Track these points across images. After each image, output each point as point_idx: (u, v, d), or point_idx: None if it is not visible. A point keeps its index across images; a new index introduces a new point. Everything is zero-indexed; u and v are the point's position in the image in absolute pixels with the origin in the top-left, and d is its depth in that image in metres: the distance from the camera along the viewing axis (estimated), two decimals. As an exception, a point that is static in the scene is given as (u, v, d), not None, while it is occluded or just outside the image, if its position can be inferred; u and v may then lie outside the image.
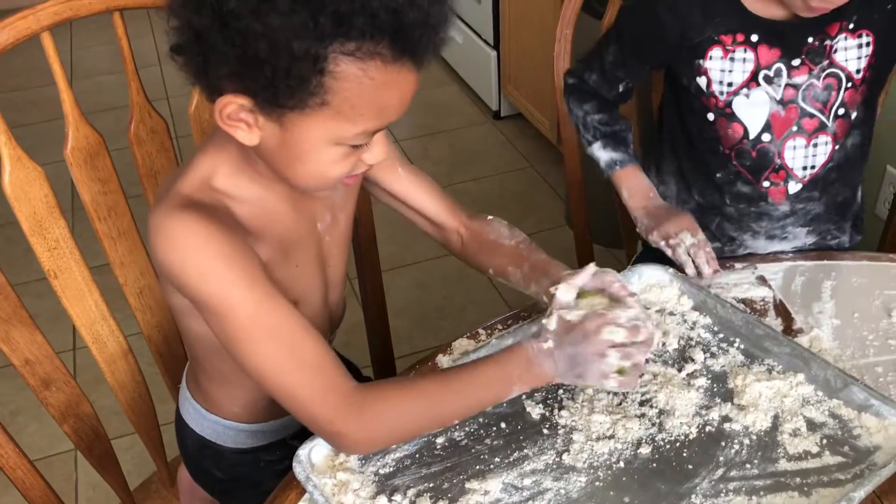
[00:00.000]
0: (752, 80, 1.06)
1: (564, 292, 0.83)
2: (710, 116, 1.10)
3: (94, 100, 3.01)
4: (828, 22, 1.02)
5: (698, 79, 1.09)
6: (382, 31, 0.67)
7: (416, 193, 0.99)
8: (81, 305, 1.01)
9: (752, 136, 1.09)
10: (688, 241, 1.05)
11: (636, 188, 1.16)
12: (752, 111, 1.07)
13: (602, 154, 1.17)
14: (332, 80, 0.69)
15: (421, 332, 2.06)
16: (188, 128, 1.05)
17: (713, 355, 0.92)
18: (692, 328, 0.96)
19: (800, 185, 1.12)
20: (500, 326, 0.98)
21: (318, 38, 0.66)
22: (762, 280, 1.03)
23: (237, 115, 0.73)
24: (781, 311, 0.98)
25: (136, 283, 1.06)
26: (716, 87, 1.07)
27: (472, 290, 2.16)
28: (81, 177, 0.98)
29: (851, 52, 1.04)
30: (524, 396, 0.88)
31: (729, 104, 1.08)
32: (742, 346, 0.93)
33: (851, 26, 1.03)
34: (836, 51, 1.04)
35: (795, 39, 1.04)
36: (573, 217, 1.38)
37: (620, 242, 1.45)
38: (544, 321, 0.82)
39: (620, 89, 1.19)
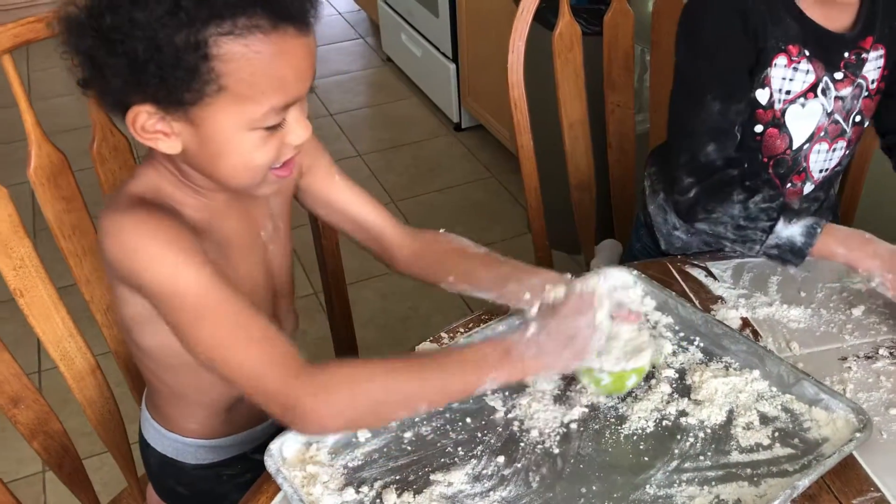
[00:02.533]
0: (811, 90, 1.07)
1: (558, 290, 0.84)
2: (759, 129, 1.10)
3: (53, 121, 2.99)
4: (862, 36, 1.06)
5: (760, 91, 1.07)
6: (248, 2, 0.70)
7: (356, 203, 0.99)
8: (48, 323, 1.02)
9: (795, 146, 1.11)
10: None
11: (849, 238, 1.01)
12: (802, 122, 1.09)
13: (793, 230, 1.01)
14: (221, 64, 0.71)
15: (388, 343, 2.07)
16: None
17: (674, 353, 0.95)
18: (654, 327, 0.99)
19: (813, 186, 1.17)
20: (461, 329, 1.00)
21: (189, 24, 0.69)
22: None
23: (152, 126, 0.75)
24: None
25: (103, 299, 1.07)
26: (775, 97, 1.08)
27: (437, 299, 2.19)
28: (45, 196, 0.99)
29: (872, 63, 1.09)
30: (489, 393, 0.90)
31: (783, 113, 1.09)
32: (701, 344, 0.96)
33: (875, 38, 1.07)
34: (866, 64, 1.08)
35: (834, 53, 1.06)
36: (531, 224, 1.41)
37: (580, 248, 1.49)
38: (526, 311, 0.82)
39: (737, 133, 1.08)
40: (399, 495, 0.80)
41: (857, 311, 1.00)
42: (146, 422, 1.03)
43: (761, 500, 0.77)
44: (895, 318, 0.98)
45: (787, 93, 1.07)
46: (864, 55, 1.08)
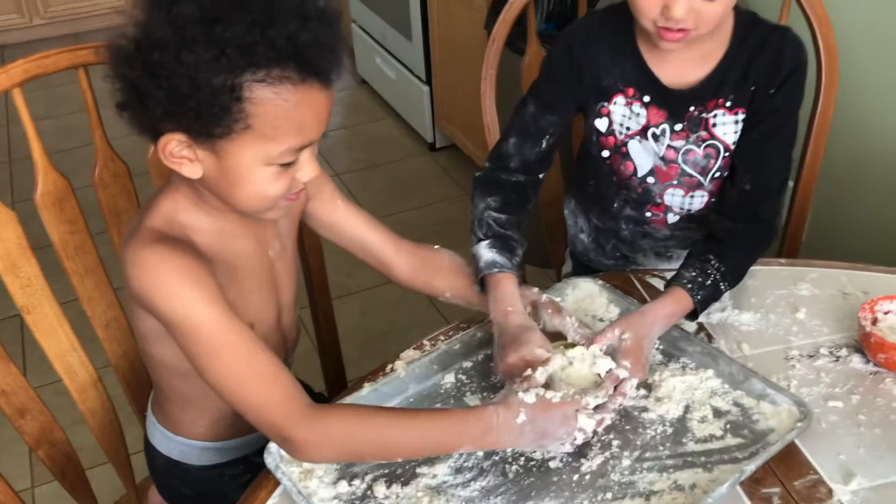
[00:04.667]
0: (643, 133, 1.18)
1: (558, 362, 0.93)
2: (606, 154, 1.21)
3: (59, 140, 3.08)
4: (708, 98, 1.14)
5: (599, 120, 1.19)
6: (283, 56, 0.78)
7: (358, 225, 1.09)
8: (53, 338, 1.08)
9: (639, 174, 1.21)
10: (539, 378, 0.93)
11: (501, 297, 1.03)
12: (643, 156, 1.20)
13: (486, 253, 1.07)
14: (251, 106, 0.79)
15: (369, 357, 2.14)
16: (144, 166, 1.14)
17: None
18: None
19: (678, 217, 1.25)
20: (442, 337, 1.08)
21: (229, 70, 0.77)
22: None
23: (178, 152, 0.83)
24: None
25: (104, 315, 1.13)
26: (615, 128, 1.18)
27: (414, 313, 2.26)
28: (51, 219, 1.06)
29: (729, 127, 1.16)
30: (468, 393, 0.99)
31: (625, 144, 1.19)
32: (661, 347, 1.05)
33: (728, 104, 1.15)
34: (715, 125, 1.16)
35: (679, 107, 1.15)
36: (506, 240, 1.49)
37: (551, 262, 1.57)
38: (521, 395, 0.88)
39: (544, 145, 1.18)
40: (388, 487, 0.88)
41: (801, 315, 1.09)
42: (152, 427, 1.09)
43: (714, 483, 0.86)
44: (836, 321, 1.08)
45: (628, 128, 1.18)
46: (705, 114, 1.14)
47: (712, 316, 1.10)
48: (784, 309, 1.11)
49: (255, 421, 0.86)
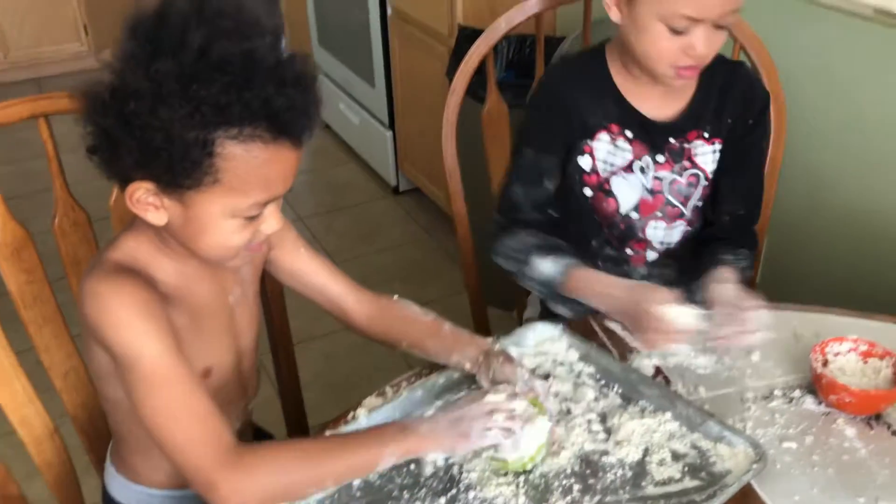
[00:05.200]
0: (629, 167, 1.21)
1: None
2: (588, 192, 1.24)
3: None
4: (688, 129, 1.20)
5: (581, 158, 1.22)
6: (257, 117, 0.80)
7: (319, 273, 1.10)
8: (8, 389, 1.07)
9: (622, 211, 1.24)
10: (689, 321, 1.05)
11: (596, 287, 1.12)
12: (626, 191, 1.23)
13: (545, 264, 1.12)
14: (221, 161, 0.81)
15: (331, 403, 2.11)
16: (105, 210, 1.14)
17: (596, 399, 1.05)
18: (578, 376, 1.09)
19: (656, 255, 1.29)
20: (404, 383, 1.08)
21: (203, 126, 0.79)
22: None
23: (145, 199, 0.85)
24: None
25: (62, 365, 1.12)
26: (599, 165, 1.21)
27: (378, 358, 2.25)
28: (9, 269, 1.05)
29: (707, 157, 1.22)
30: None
31: (608, 180, 1.22)
32: (620, 391, 1.06)
33: (706, 135, 1.21)
34: (696, 154, 1.21)
35: (661, 139, 1.20)
36: (467, 283, 1.51)
37: (513, 304, 1.59)
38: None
39: (548, 185, 1.22)
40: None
41: (756, 357, 1.12)
42: (110, 476, 1.08)
43: (673, 526, 0.87)
44: (788, 363, 1.10)
45: (611, 164, 1.22)
46: (686, 145, 1.20)
47: (669, 359, 1.12)
48: (739, 352, 1.13)
49: (178, 461, 0.86)
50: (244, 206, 0.86)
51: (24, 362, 1.09)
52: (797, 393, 1.06)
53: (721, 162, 1.23)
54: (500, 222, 1.23)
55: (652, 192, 1.23)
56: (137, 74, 0.79)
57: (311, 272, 1.09)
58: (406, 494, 0.92)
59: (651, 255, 1.29)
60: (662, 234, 1.26)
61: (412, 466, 0.96)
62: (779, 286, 1.09)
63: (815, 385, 1.04)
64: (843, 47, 1.70)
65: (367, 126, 3.10)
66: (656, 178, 1.22)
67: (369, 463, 0.89)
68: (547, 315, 1.39)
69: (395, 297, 1.12)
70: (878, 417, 1.02)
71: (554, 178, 1.23)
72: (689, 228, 1.27)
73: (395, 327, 1.10)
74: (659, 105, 1.19)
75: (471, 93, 1.41)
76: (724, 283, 1.10)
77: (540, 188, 1.21)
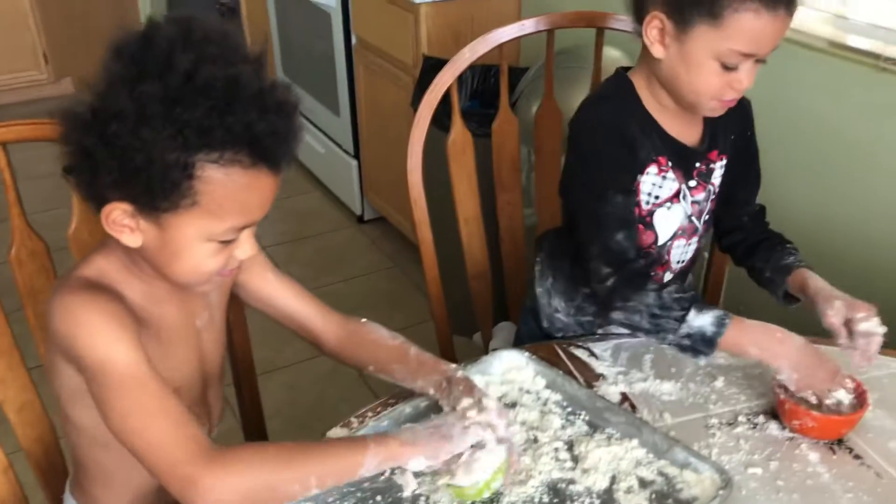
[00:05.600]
0: (675, 196, 1.22)
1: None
2: None
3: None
4: (711, 148, 1.23)
5: None
6: (239, 141, 0.80)
7: (287, 297, 1.09)
8: (-39, 424, 1.04)
9: (660, 242, 1.25)
10: (843, 398, 1.05)
11: (760, 336, 1.07)
12: (667, 222, 1.24)
13: (704, 319, 1.06)
14: (200, 184, 0.81)
15: (296, 433, 2.10)
16: (63, 241, 1.12)
17: (563, 426, 1.05)
18: (545, 404, 1.09)
19: (672, 275, 1.30)
20: (370, 413, 1.07)
21: (185, 149, 0.79)
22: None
23: (121, 220, 0.85)
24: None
25: (17, 398, 1.09)
26: (642, 199, 1.21)
27: (343, 388, 2.24)
28: (-37, 299, 1.02)
29: (718, 172, 1.26)
30: (396, 471, 0.97)
31: (651, 214, 1.22)
32: (587, 418, 1.06)
33: (719, 152, 1.24)
34: (714, 172, 1.25)
35: (690, 164, 1.22)
36: (433, 312, 1.50)
37: (476, 332, 1.59)
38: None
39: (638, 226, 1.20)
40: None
41: (720, 384, 1.13)
42: (69, 510, 1.05)
43: (641, 554, 0.87)
44: (752, 388, 1.11)
45: (657, 197, 1.22)
46: (711, 165, 1.25)
47: (634, 386, 1.12)
48: (703, 378, 1.14)
49: (155, 463, 0.83)
50: (220, 231, 0.86)
51: (-22, 396, 1.06)
52: (761, 419, 1.07)
53: (730, 174, 1.27)
54: (615, 279, 1.14)
55: (691, 217, 1.25)
56: (122, 95, 0.79)
57: (279, 296, 1.09)
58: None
59: (668, 276, 1.30)
60: (681, 252, 1.28)
61: (378, 497, 0.95)
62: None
63: (779, 411, 1.05)
64: (798, 78, 1.74)
65: (332, 155, 3.10)
66: (694, 202, 1.24)
67: (352, 466, 0.87)
68: (520, 343, 1.39)
69: (364, 320, 1.11)
70: (840, 442, 1.03)
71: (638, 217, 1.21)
72: (698, 245, 1.30)
73: (364, 350, 1.09)
74: (687, 131, 1.21)
75: (436, 122, 1.42)
76: (830, 298, 1.13)
77: (636, 232, 1.18)
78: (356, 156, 2.94)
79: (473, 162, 1.46)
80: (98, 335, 0.85)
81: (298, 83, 3.23)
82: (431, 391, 1.02)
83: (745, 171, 1.30)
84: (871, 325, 1.08)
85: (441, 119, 1.50)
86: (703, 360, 1.11)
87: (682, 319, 1.07)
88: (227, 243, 0.88)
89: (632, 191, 1.19)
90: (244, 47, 0.85)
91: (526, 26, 1.44)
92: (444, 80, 1.39)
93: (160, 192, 0.81)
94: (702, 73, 1.09)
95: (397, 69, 2.53)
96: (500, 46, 1.43)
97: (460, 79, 1.43)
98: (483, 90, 2.29)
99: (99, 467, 1.00)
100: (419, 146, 1.40)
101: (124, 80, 0.79)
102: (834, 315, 1.10)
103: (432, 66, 2.14)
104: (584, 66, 1.69)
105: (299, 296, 1.10)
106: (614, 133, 1.17)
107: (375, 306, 2.60)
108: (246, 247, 0.90)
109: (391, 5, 2.46)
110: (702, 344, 1.07)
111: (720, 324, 1.06)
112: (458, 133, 1.44)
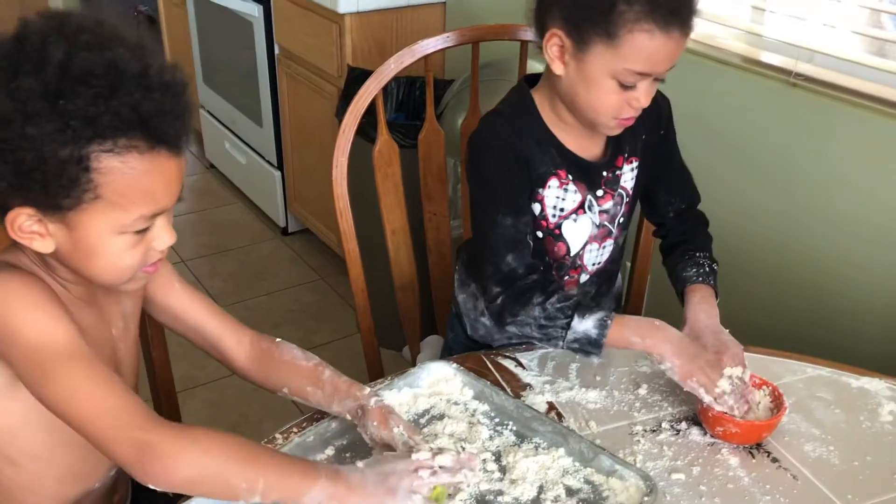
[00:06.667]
0: (580, 207, 1.24)
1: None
2: (539, 234, 1.24)
3: None
4: (615, 156, 1.25)
5: (533, 205, 1.22)
6: (128, 125, 0.79)
7: (195, 310, 1.05)
8: None
9: (572, 252, 1.27)
10: (726, 386, 1.06)
11: (641, 327, 1.11)
12: (576, 233, 1.25)
13: (587, 324, 1.11)
14: (99, 175, 0.79)
15: (218, 451, 2.05)
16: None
17: (490, 437, 1.05)
18: (473, 415, 1.08)
19: (588, 276, 1.32)
20: (295, 429, 1.05)
21: (75, 141, 0.77)
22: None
23: (29, 227, 0.82)
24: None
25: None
26: (549, 211, 1.23)
27: (267, 404, 2.19)
28: None
29: (627, 175, 1.27)
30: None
31: (559, 226, 1.24)
32: (514, 428, 1.06)
33: (626, 155, 1.26)
34: (622, 177, 1.26)
35: (597, 176, 1.24)
36: (360, 324, 1.49)
37: (404, 345, 1.58)
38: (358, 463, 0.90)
39: (531, 243, 1.20)
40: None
41: (643, 391, 1.15)
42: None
43: (568, 564, 0.87)
44: (674, 395, 1.14)
45: (562, 210, 1.24)
46: (618, 172, 1.27)
47: (561, 395, 1.13)
48: (627, 385, 1.16)
49: (106, 429, 0.81)
50: (129, 221, 0.83)
51: None
52: (683, 425, 1.09)
53: (647, 174, 1.29)
54: (503, 298, 1.18)
55: (600, 226, 1.27)
56: (1, 97, 0.76)
57: (185, 309, 1.05)
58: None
59: (584, 278, 1.31)
60: (595, 255, 1.30)
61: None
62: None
63: (702, 417, 1.07)
64: (714, 92, 1.80)
65: (255, 166, 3.05)
66: (602, 211, 1.26)
67: (300, 489, 0.84)
68: (448, 352, 1.38)
69: (278, 340, 1.08)
70: (758, 446, 1.06)
71: (531, 235, 1.21)
72: (614, 246, 1.32)
73: (277, 372, 1.06)
74: (588, 145, 1.23)
75: (361, 132, 1.41)
76: (701, 326, 1.17)
77: (526, 250, 1.19)
78: (279, 167, 2.90)
79: (399, 172, 1.46)
80: (34, 312, 0.82)
81: (220, 93, 3.17)
82: (348, 417, 1.01)
83: (663, 171, 1.32)
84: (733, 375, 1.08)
85: (366, 130, 1.50)
86: (595, 360, 1.16)
87: (567, 327, 1.12)
88: (141, 234, 0.85)
89: (523, 210, 1.20)
90: (120, 30, 0.82)
91: (451, 38, 1.45)
92: (370, 90, 1.38)
93: (59, 190, 0.79)
94: (601, 91, 1.11)
95: (322, 79, 2.51)
96: (426, 58, 1.43)
97: (385, 90, 1.42)
98: (408, 102, 2.29)
99: (6, 490, 0.94)
100: (344, 157, 1.39)
101: (1, 82, 0.77)
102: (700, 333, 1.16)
103: (357, 77, 2.14)
104: (509, 78, 1.71)
105: (208, 309, 1.06)
106: (506, 153, 1.19)
107: (300, 320, 2.56)
108: (163, 235, 0.87)
109: (315, 15, 2.44)
110: (589, 346, 1.12)
111: (602, 325, 1.11)
112: (384, 143, 1.43)
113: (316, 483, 0.85)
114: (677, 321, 1.15)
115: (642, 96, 1.11)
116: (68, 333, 0.83)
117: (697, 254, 1.27)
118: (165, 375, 1.27)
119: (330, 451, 1.03)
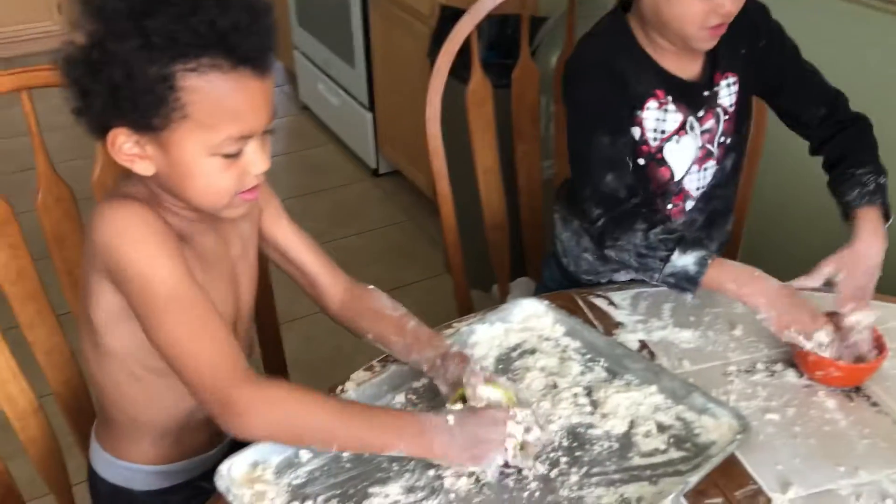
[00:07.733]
0: (682, 128, 1.22)
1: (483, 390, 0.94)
2: (641, 161, 1.23)
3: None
4: (712, 73, 1.22)
5: (632, 129, 1.21)
6: (207, 43, 0.81)
7: (299, 248, 1.09)
8: (-8, 366, 1.06)
9: (677, 177, 1.25)
10: (823, 338, 1.05)
11: (740, 274, 1.09)
12: (679, 155, 1.24)
13: (686, 260, 1.09)
14: (185, 94, 0.82)
15: (315, 383, 2.10)
16: (88, 190, 1.13)
17: (581, 373, 1.06)
18: (564, 350, 1.10)
19: (693, 202, 1.29)
20: (391, 358, 1.08)
21: (160, 59, 0.80)
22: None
23: (129, 149, 0.86)
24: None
25: (46, 342, 1.11)
26: (649, 135, 1.21)
27: (358, 341, 2.25)
28: (-8, 243, 1.04)
29: (724, 91, 1.24)
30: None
31: (660, 150, 1.22)
32: (605, 364, 1.08)
33: (722, 71, 1.23)
34: (718, 94, 1.24)
35: (694, 96, 1.22)
36: (450, 264, 1.51)
37: (493, 285, 1.60)
38: (448, 405, 0.92)
39: (631, 165, 1.19)
40: (340, 508, 0.88)
41: (738, 332, 1.14)
42: (95, 453, 1.08)
43: (659, 496, 0.88)
44: (770, 337, 1.12)
45: (663, 132, 1.22)
46: (715, 89, 1.23)
47: (653, 334, 1.13)
48: (722, 326, 1.15)
49: (197, 383, 0.86)
50: (218, 142, 0.85)
51: (9, 339, 1.08)
52: (779, 367, 1.08)
53: (758, 89, 1.27)
54: (605, 220, 1.16)
55: (702, 146, 1.25)
56: (91, 20, 0.81)
57: (290, 244, 1.08)
58: (395, 466, 0.93)
59: (689, 204, 1.29)
60: (697, 177, 1.27)
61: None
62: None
63: (798, 361, 1.06)
64: (831, 32, 1.71)
65: (347, 107, 3.08)
66: (704, 131, 1.24)
67: (379, 447, 0.89)
68: (543, 291, 1.39)
69: (371, 287, 1.11)
70: (857, 390, 1.04)
71: (631, 156, 1.20)
72: (717, 166, 1.28)
73: (364, 318, 1.09)
74: (686, 65, 1.21)
75: (454, 73, 1.41)
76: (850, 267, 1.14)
77: (627, 171, 1.18)
78: (371, 108, 2.93)
79: (492, 112, 1.46)
80: (144, 247, 0.86)
81: (313, 34, 3.20)
82: (424, 368, 1.02)
83: (782, 83, 1.26)
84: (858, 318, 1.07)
85: (457, 70, 1.49)
86: (689, 297, 1.13)
87: (666, 259, 1.10)
88: (233, 158, 0.87)
89: (621, 129, 1.19)
90: None
91: (547, -26, 1.42)
92: (464, 29, 1.38)
93: (149, 109, 0.82)
94: (680, 2, 1.10)
95: (414, 19, 2.51)
96: (521, -5, 1.41)
97: (479, 29, 1.41)
98: (500, 41, 2.26)
99: (120, 411, 1.02)
100: (437, 96, 1.39)
101: (91, 6, 0.81)
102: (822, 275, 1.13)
103: (449, 17, 2.12)
104: (605, 14, 1.67)
105: (310, 248, 1.09)
106: (602, 70, 1.18)
107: (390, 260, 2.61)
108: (257, 160, 0.89)
109: (407, -46, 2.42)
110: (685, 282, 1.10)
111: (702, 263, 1.09)
112: (478, 83, 1.43)
113: (398, 444, 0.88)
114: (772, 267, 1.13)
115: (728, 2, 1.09)
116: (174, 272, 0.86)
117: (858, 171, 1.18)
118: (269, 308, 1.33)
119: (424, 380, 1.06)
